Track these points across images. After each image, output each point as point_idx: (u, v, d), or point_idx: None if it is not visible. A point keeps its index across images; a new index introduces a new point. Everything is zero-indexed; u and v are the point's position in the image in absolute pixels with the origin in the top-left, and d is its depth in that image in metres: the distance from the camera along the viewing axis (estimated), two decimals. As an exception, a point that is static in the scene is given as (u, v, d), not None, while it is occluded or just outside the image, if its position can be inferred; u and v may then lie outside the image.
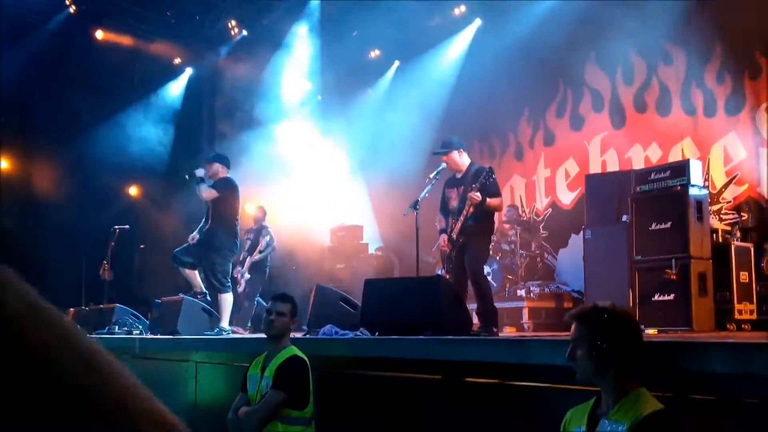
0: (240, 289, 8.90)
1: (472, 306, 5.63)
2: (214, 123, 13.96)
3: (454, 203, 5.80)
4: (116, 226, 9.47)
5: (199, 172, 6.95)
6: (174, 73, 13.77)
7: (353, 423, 4.21)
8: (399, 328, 4.55)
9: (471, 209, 5.57)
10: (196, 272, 7.01)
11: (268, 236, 9.25)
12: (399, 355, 3.98)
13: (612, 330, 2.30)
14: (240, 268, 9.00)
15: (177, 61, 13.67)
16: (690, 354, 2.77)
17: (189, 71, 13.78)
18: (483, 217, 5.67)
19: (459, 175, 5.90)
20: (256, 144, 11.09)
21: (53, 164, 12.69)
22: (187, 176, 7.11)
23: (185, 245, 7.00)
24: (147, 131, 13.09)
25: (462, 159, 5.90)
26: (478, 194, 5.50)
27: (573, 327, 2.40)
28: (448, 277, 5.68)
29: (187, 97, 13.78)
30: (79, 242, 12.57)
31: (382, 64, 12.39)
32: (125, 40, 12.93)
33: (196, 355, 5.77)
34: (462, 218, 5.62)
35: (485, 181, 5.58)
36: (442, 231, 5.85)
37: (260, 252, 9.12)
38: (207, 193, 6.88)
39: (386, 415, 4.01)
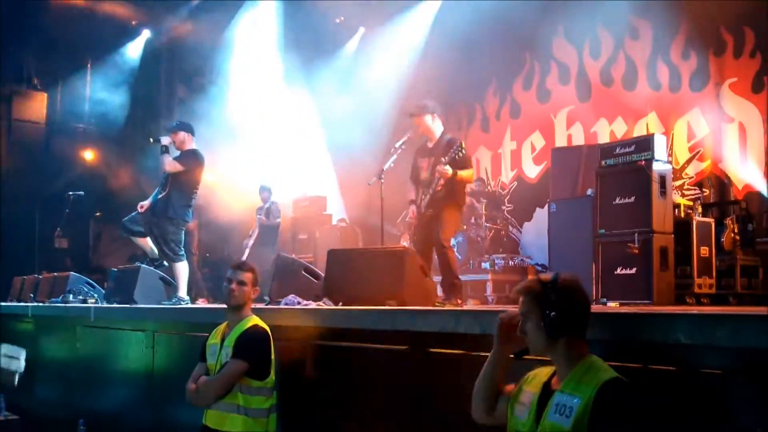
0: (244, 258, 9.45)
1: (437, 278, 5.59)
2: (172, 87, 13.55)
3: (424, 174, 5.72)
4: (70, 192, 9.17)
5: (165, 140, 6.68)
6: (131, 34, 13.28)
7: (315, 394, 4.15)
8: (362, 298, 4.48)
9: (441, 182, 5.49)
10: (148, 239, 6.81)
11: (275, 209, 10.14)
12: (362, 325, 3.91)
13: (558, 298, 2.28)
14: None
15: (134, 22, 13.18)
16: (655, 325, 2.76)
17: (147, 33, 13.30)
18: (454, 189, 5.60)
19: (430, 144, 5.80)
20: (215, 109, 10.80)
21: (4, 128, 12.20)
22: (151, 139, 6.86)
23: (134, 213, 6.77)
24: (103, 94, 12.64)
25: (434, 125, 5.79)
26: (448, 168, 5.42)
27: (521, 301, 2.38)
28: (413, 248, 5.61)
29: (145, 60, 13.32)
30: (33, 209, 12.18)
31: (347, 31, 12.14)
32: (79, 0, 12.39)
33: (153, 325, 5.63)
34: (431, 191, 5.55)
35: (455, 156, 5.50)
36: (412, 202, 5.77)
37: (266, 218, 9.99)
38: (171, 166, 6.64)
39: (349, 386, 3.95)
